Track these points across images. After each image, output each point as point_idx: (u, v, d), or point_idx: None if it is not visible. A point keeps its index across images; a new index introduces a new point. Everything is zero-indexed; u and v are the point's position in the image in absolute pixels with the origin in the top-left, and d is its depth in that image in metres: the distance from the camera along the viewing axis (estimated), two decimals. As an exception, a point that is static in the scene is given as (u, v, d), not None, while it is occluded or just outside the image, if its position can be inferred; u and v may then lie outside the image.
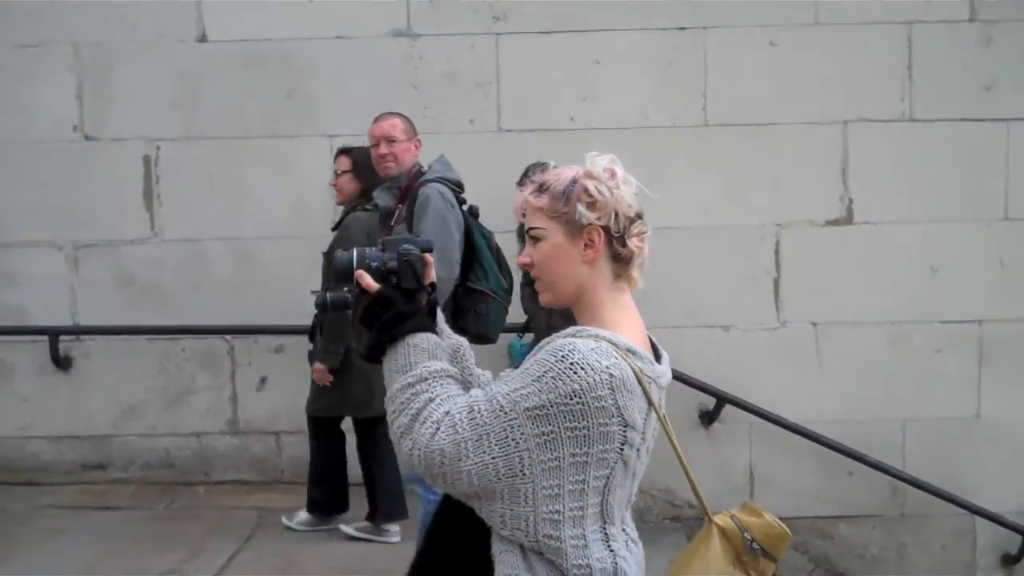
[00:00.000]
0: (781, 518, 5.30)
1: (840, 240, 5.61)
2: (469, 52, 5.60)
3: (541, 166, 3.81)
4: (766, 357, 5.57)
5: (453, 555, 2.11)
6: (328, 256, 4.56)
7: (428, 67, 5.61)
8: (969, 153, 5.62)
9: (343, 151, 5.01)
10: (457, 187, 4.23)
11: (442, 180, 4.16)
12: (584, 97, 5.59)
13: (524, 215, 2.15)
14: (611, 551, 2.07)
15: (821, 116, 5.59)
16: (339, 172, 4.95)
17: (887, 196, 5.61)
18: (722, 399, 5.43)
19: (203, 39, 5.62)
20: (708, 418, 5.50)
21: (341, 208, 5.03)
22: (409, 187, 4.23)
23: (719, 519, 2.22)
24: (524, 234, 2.16)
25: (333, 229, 4.89)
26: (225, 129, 5.62)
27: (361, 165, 4.77)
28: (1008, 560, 5.68)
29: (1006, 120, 5.62)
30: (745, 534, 2.20)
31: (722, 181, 5.58)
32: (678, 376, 5.04)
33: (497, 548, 2.02)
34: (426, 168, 4.28)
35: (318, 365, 4.78)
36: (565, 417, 1.94)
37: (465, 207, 4.25)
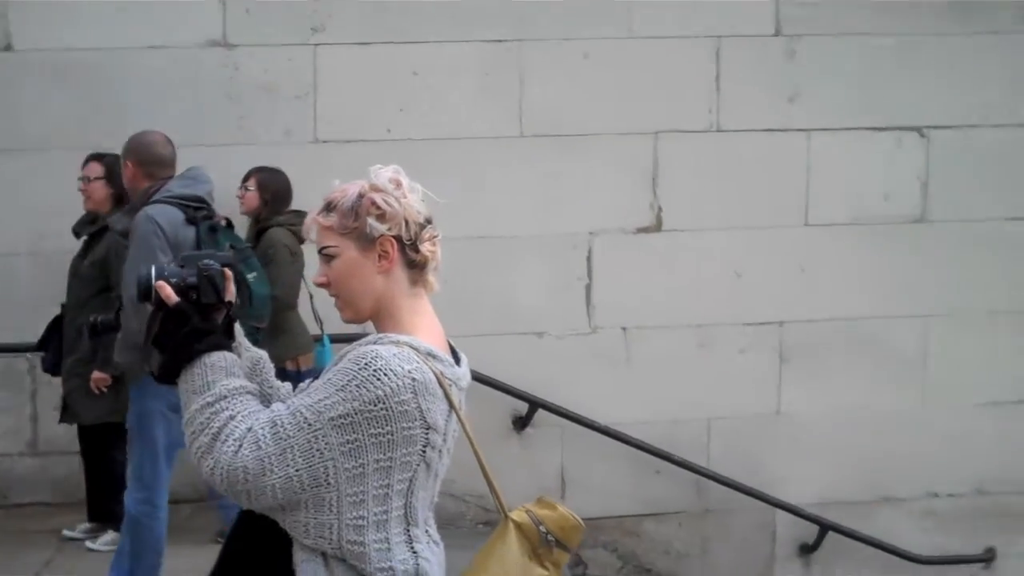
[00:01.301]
0: (591, 518, 5.70)
1: (649, 247, 5.93)
2: (286, 63, 5.74)
3: None
4: (578, 362, 5.88)
5: (253, 566, 2.17)
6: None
7: (244, 77, 5.69)
8: (772, 162, 5.99)
9: (94, 157, 5.05)
10: (196, 203, 4.14)
11: (170, 200, 4.09)
12: (401, 108, 5.80)
13: (315, 236, 2.20)
14: (414, 552, 2.16)
15: (632, 127, 5.88)
16: (90, 178, 5.00)
17: (694, 204, 5.94)
18: (535, 404, 5.74)
19: (8, 48, 5.61)
20: (521, 423, 5.81)
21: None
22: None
23: (515, 515, 2.31)
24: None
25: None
26: (31, 142, 5.57)
27: (115, 171, 4.73)
28: (806, 549, 6.13)
29: (807, 131, 6.01)
30: (540, 527, 2.29)
31: (537, 190, 5.83)
32: (492, 383, 5.39)
33: (299, 557, 2.08)
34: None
35: (98, 374, 4.89)
36: (370, 424, 2.01)
37: (212, 221, 4.17)
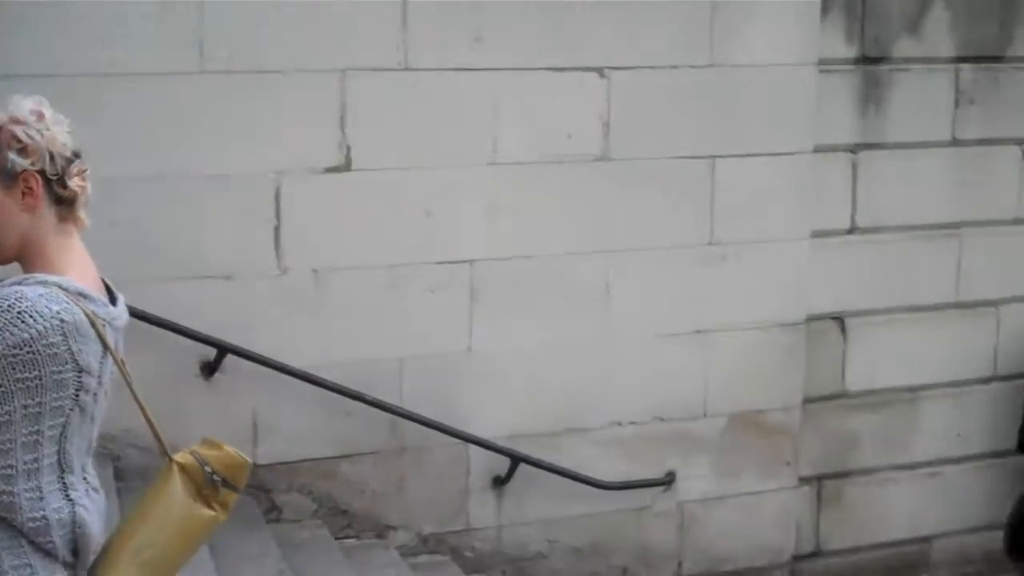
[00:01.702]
0: (286, 462, 5.67)
1: (339, 187, 5.89)
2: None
3: None
4: (268, 305, 5.78)
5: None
6: None
7: None
8: (460, 102, 6.07)
9: None
10: None
11: None
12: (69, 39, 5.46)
13: None
14: (70, 500, 2.14)
15: (319, 64, 5.80)
16: None
17: (384, 143, 5.93)
18: (223, 349, 5.62)
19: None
20: (209, 369, 5.68)
21: None
22: None
23: (179, 457, 2.31)
24: None
25: None
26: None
27: None
28: (498, 481, 6.32)
29: (494, 70, 6.10)
30: (205, 467, 2.30)
31: (219, 129, 5.67)
32: (177, 328, 5.23)
33: None
34: None
35: None
36: (15, 368, 1.96)
37: None
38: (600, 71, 6.35)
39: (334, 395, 5.84)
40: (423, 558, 6.14)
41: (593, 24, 6.25)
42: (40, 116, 2.12)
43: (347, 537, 6.02)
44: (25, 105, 2.12)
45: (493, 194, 6.18)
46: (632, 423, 6.67)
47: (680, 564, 6.94)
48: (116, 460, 5.24)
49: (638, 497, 6.73)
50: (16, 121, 2.10)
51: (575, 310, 6.43)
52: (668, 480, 6.78)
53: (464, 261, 6.17)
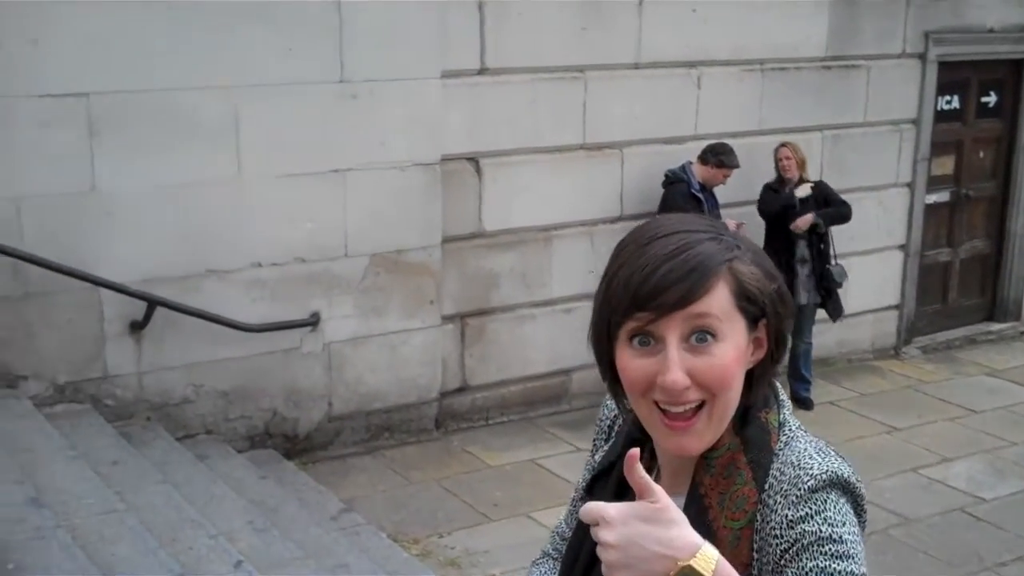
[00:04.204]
0: None
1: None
2: None
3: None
4: None
5: None
6: None
7: None
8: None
9: None
10: None
11: None
12: None
13: None
14: None
15: None
16: None
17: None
18: None
19: None
20: None
21: None
22: None
23: None
24: None
25: None
26: None
27: None
28: (136, 326, 6.26)
29: None
30: None
31: None
32: None
33: None
34: None
35: None
36: None
37: None
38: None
39: (-57, 236, 5.57)
40: (60, 407, 6.00)
41: None
42: None
43: (-28, 389, 5.80)
44: None
45: (107, 20, 5.99)
46: (273, 264, 6.75)
47: (331, 404, 7.12)
48: None
49: (285, 339, 6.84)
50: None
51: (204, 148, 6.41)
52: (313, 321, 6.92)
53: (79, 94, 5.98)
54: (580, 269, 8.07)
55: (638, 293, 1.56)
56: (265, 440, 6.89)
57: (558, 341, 8.04)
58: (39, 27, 5.81)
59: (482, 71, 7.45)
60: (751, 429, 1.66)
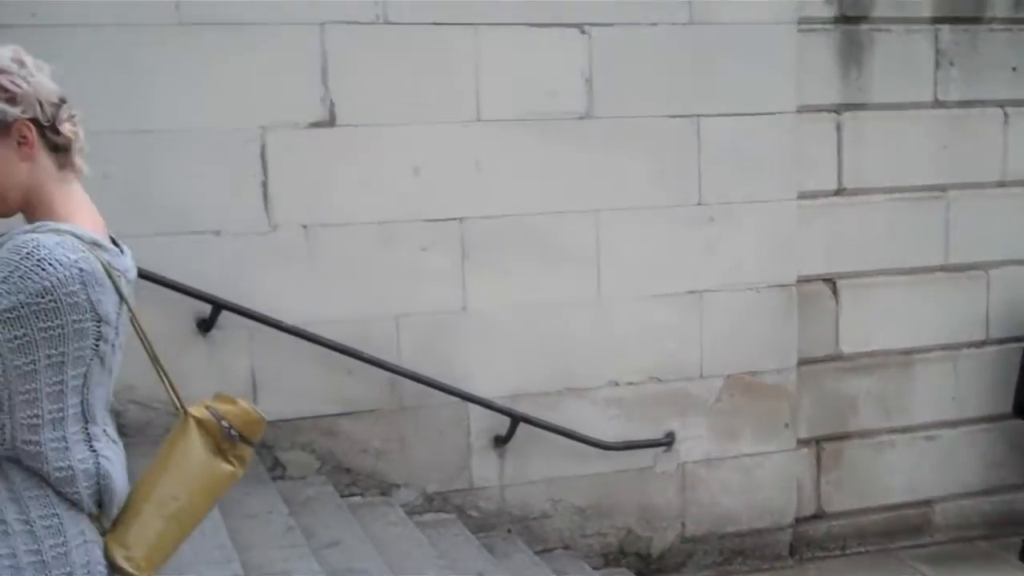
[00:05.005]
0: (286, 420, 5.78)
1: (324, 142, 6.07)
2: None
3: None
4: (259, 261, 5.93)
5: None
6: None
7: None
8: (442, 57, 6.29)
9: None
10: None
11: None
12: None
13: None
14: (93, 450, 2.17)
15: (299, 16, 5.99)
16: None
17: (367, 98, 6.14)
18: (218, 305, 5.76)
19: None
20: (205, 325, 5.81)
21: None
22: None
23: (194, 411, 2.35)
24: None
25: None
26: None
27: None
28: (499, 441, 6.49)
29: (474, 25, 6.32)
30: (222, 422, 2.34)
31: (200, 83, 5.81)
32: (172, 284, 5.38)
33: None
34: None
35: None
36: (37, 317, 1.97)
37: None
38: (580, 27, 6.59)
39: (331, 352, 5.98)
40: (428, 516, 6.28)
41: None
42: (22, 63, 2.11)
43: (351, 495, 6.15)
44: (4, 54, 2.10)
45: (481, 151, 6.37)
46: (629, 383, 6.86)
47: (683, 525, 7.11)
48: (117, 416, 5.34)
49: (640, 457, 6.91)
50: (1, 71, 2.09)
51: (566, 268, 6.63)
52: (668, 441, 6.96)
53: (454, 219, 6.35)
54: (942, 395, 7.78)
55: None
56: (619, 558, 6.94)
57: (919, 469, 7.75)
58: (419, 156, 6.20)
59: (839, 191, 7.39)
60: None
